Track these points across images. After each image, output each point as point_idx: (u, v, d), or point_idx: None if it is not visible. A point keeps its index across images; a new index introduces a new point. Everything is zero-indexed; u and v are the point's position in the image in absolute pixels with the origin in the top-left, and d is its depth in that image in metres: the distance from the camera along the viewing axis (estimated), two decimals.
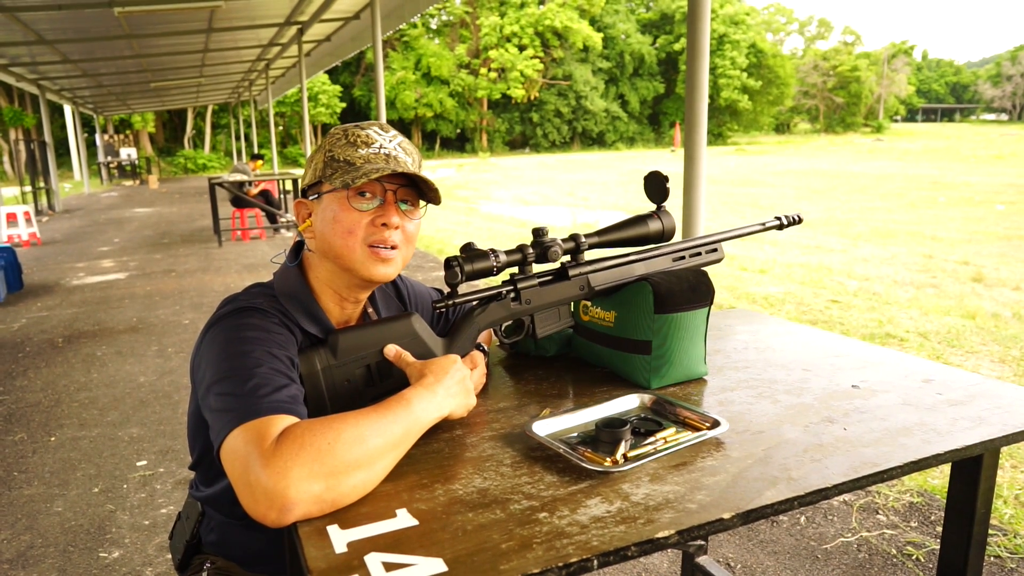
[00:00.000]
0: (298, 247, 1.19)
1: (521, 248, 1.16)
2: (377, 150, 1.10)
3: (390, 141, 1.12)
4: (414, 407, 0.94)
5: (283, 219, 10.12)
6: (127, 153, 27.04)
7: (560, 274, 1.23)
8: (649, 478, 0.89)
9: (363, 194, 1.08)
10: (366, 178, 1.04)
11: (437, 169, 29.34)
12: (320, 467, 0.81)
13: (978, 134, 49.63)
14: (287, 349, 1.02)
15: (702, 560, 1.81)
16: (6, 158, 29.36)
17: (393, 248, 1.10)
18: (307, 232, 1.15)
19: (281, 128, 38.02)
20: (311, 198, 1.14)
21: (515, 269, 1.20)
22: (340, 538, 0.76)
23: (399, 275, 1.38)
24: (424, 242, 9.16)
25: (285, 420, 0.87)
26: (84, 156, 22.44)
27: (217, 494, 1.17)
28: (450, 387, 1.01)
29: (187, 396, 3.53)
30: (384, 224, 1.09)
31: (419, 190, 1.14)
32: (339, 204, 1.08)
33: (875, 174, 19.33)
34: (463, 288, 1.09)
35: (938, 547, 2.30)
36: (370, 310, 1.26)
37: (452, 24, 46.84)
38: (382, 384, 1.10)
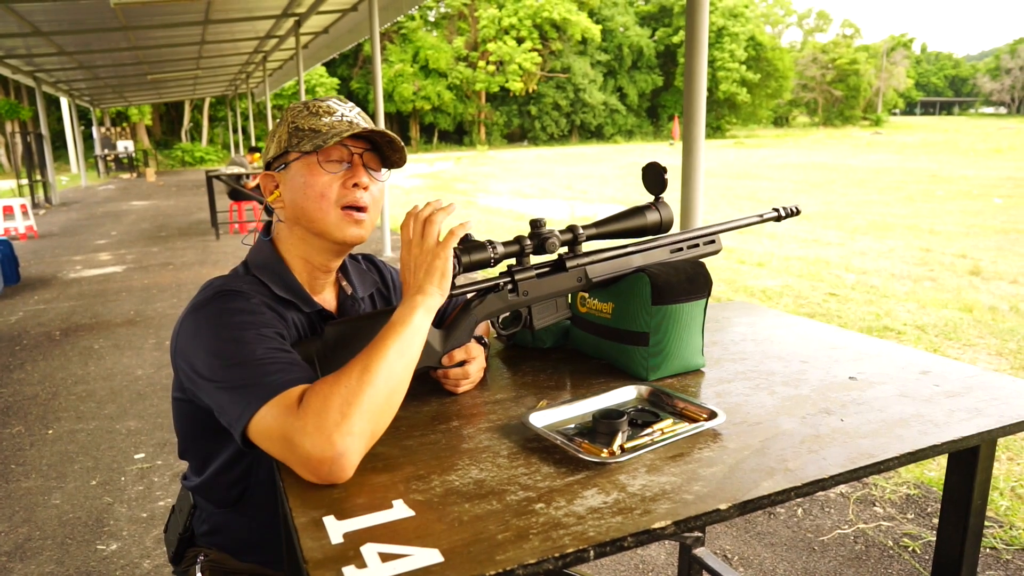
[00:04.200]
0: (269, 225, 1.21)
1: (519, 239, 1.16)
2: (339, 118, 1.13)
3: (350, 111, 1.16)
4: (406, 322, 0.96)
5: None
6: (124, 146, 26.96)
7: (558, 266, 1.22)
8: (646, 469, 0.88)
9: (331, 159, 1.11)
10: (337, 138, 1.08)
11: (435, 162, 29.29)
12: (350, 407, 0.85)
13: (976, 127, 49.62)
14: (274, 326, 1.04)
15: (699, 552, 1.81)
16: (2, 151, 29.25)
17: (363, 210, 1.13)
18: (276, 203, 1.17)
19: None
20: (277, 169, 1.15)
21: (513, 261, 1.19)
22: (336, 529, 0.76)
23: (389, 266, 1.39)
24: None
25: (302, 388, 0.90)
26: (81, 149, 22.36)
27: (208, 481, 1.17)
28: (424, 286, 1.01)
29: None
30: (355, 184, 1.12)
31: (382, 155, 1.17)
32: (309, 169, 1.11)
33: (873, 167, 19.32)
34: (460, 280, 1.09)
35: (934, 539, 2.31)
36: (344, 283, 1.27)
37: (450, 16, 46.65)
38: None
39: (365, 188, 1.12)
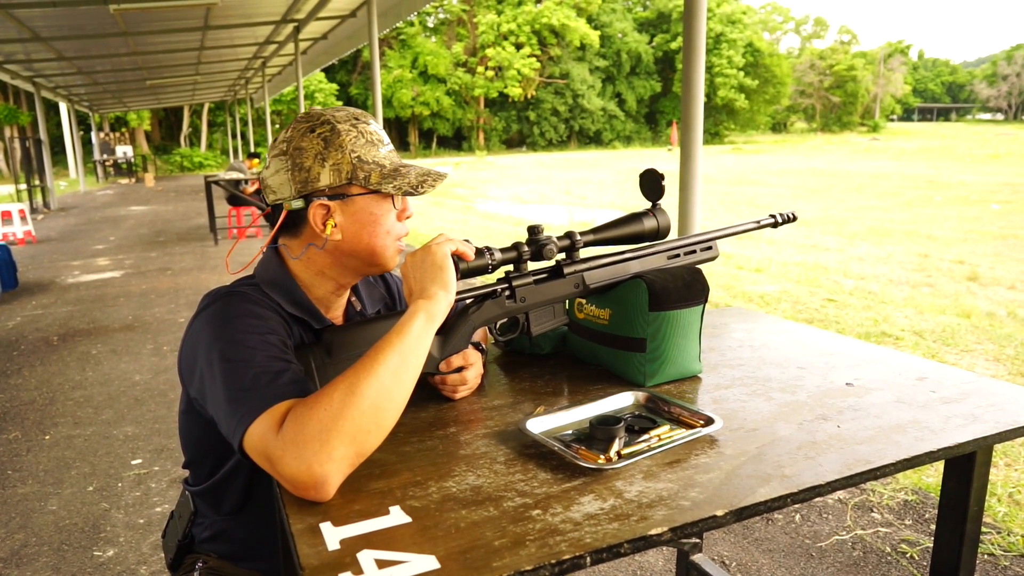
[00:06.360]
0: (273, 240, 1.19)
1: (516, 246, 1.16)
2: (390, 147, 1.15)
3: (384, 133, 1.16)
4: (404, 332, 0.95)
5: None
6: (123, 151, 26.99)
7: (555, 272, 1.22)
8: (643, 475, 0.89)
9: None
10: (431, 187, 1.13)
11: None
12: (329, 433, 0.83)
13: (974, 134, 49.74)
14: (278, 332, 1.03)
15: (697, 558, 1.81)
16: (1, 156, 29.24)
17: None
18: (333, 235, 1.10)
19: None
20: (335, 199, 1.08)
21: (510, 267, 1.19)
22: (333, 535, 0.76)
23: (395, 276, 1.39)
24: (420, 240, 9.15)
25: (289, 405, 0.89)
26: (80, 154, 22.36)
27: (213, 487, 1.17)
28: (425, 288, 1.01)
29: None
30: (406, 217, 1.17)
31: None
32: (379, 206, 1.11)
33: (871, 173, 19.36)
34: (458, 286, 1.09)
35: (932, 545, 2.31)
36: (353, 299, 1.27)
37: (449, 22, 46.78)
38: None
39: (409, 217, 1.18)
